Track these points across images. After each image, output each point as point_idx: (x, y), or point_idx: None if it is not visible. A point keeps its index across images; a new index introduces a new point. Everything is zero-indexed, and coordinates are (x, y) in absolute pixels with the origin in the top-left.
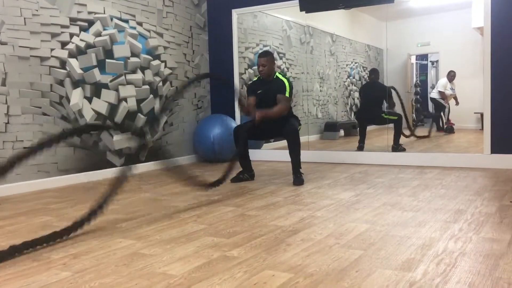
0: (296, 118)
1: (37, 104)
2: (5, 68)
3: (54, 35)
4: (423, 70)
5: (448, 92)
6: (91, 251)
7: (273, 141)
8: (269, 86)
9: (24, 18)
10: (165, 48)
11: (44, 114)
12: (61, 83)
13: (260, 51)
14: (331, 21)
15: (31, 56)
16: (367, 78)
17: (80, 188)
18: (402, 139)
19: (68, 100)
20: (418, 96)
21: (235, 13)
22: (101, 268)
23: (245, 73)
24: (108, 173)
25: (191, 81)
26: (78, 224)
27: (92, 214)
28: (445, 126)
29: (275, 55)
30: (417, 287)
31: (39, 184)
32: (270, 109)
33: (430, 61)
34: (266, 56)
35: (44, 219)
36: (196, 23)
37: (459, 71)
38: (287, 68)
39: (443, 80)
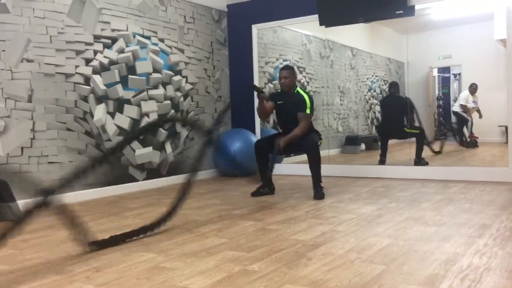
0: (317, 133)
1: (62, 119)
2: (31, 85)
3: (78, 52)
4: (445, 83)
5: (470, 105)
6: (113, 265)
7: (294, 155)
8: (289, 99)
9: (50, 36)
10: (186, 63)
11: (69, 129)
12: (85, 99)
13: (281, 66)
14: (351, 35)
15: (56, 73)
16: (387, 92)
17: (103, 202)
18: (425, 153)
19: (92, 116)
20: (440, 109)
21: (255, 28)
22: (123, 282)
23: (265, 87)
24: (130, 188)
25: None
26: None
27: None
28: (468, 140)
29: (295, 69)
30: None
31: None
32: (290, 133)
33: (453, 74)
34: (288, 69)
35: (67, 233)
36: (217, 38)
37: (482, 84)
38: (307, 82)
39: (465, 93)
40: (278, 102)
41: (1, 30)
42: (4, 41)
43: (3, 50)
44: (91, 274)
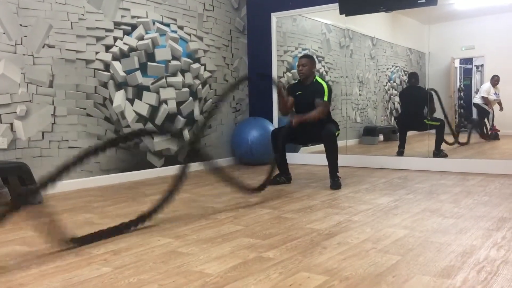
0: (335, 123)
1: (82, 105)
2: (52, 71)
3: (99, 39)
4: (467, 74)
5: (492, 97)
6: (131, 248)
7: (311, 145)
8: (307, 88)
9: (71, 22)
10: (205, 51)
11: (88, 115)
12: (104, 85)
13: (300, 55)
14: (371, 24)
15: (77, 59)
16: (407, 83)
17: (120, 187)
18: (444, 145)
19: (111, 102)
20: (461, 101)
21: (274, 16)
22: (140, 265)
23: (283, 76)
24: (148, 174)
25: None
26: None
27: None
28: (489, 133)
29: (315, 59)
30: None
31: (82, 183)
32: (307, 114)
33: (475, 65)
34: (307, 58)
35: (87, 216)
36: (236, 26)
37: (505, 76)
38: (326, 72)
39: (486, 85)
40: (297, 93)
41: (23, 16)
42: (26, 26)
43: (25, 36)
44: (109, 257)
